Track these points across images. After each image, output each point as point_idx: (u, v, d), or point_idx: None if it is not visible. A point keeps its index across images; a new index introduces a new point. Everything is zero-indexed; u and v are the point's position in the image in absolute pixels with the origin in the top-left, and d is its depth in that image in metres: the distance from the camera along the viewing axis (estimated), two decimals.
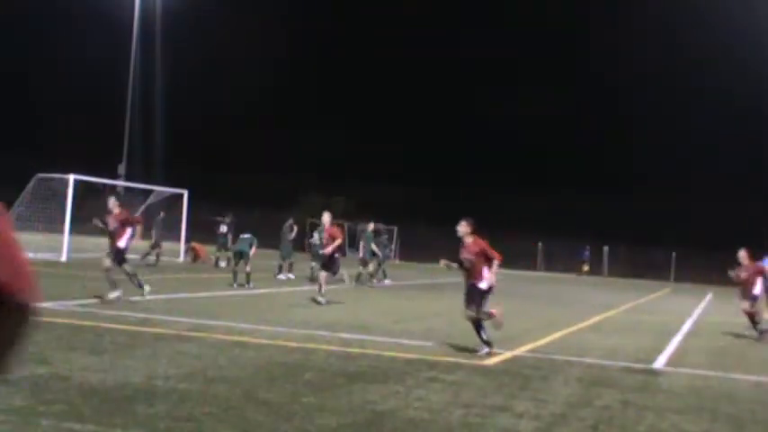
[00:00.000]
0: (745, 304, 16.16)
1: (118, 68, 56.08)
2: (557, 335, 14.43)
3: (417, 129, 77.98)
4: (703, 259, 52.80)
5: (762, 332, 15.94)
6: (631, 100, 77.44)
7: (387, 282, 25.98)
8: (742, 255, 16.48)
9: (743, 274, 16.28)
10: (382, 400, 7.66)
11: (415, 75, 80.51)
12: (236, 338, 10.95)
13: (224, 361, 9.12)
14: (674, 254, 53.84)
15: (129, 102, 54.38)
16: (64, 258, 26.05)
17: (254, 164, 72.93)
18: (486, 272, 11.07)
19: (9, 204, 28.88)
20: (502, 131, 73.09)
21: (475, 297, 11.04)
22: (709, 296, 33.62)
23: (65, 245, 26.75)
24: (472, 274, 11.13)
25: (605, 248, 57.26)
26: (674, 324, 18.38)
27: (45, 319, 11.57)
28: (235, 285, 20.05)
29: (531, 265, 53.72)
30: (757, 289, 16.07)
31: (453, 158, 77.61)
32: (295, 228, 27.47)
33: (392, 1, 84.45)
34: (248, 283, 20.18)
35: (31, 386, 7.15)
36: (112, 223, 15.14)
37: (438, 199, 68.73)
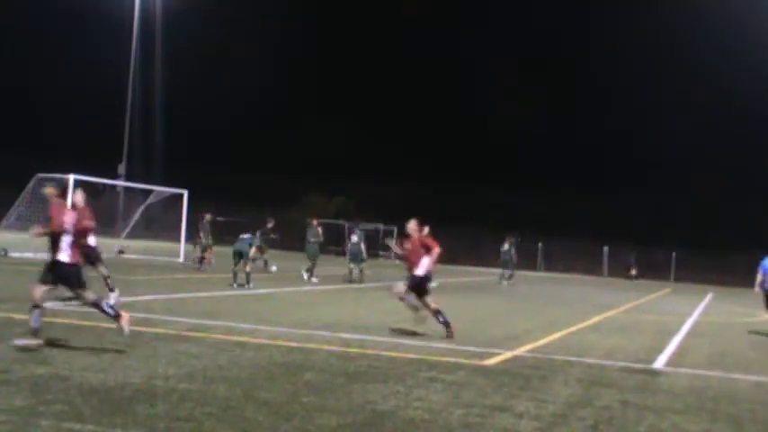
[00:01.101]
0: (401, 286, 13.34)
1: (118, 68, 56.10)
2: (557, 335, 14.43)
3: (417, 129, 78.01)
4: (703, 259, 52.81)
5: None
6: (631, 100, 77.45)
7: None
8: (411, 226, 13.56)
9: (407, 246, 13.47)
10: (382, 400, 7.66)
11: (416, 75, 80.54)
12: (236, 338, 10.95)
13: (224, 361, 9.12)
14: (673, 254, 53.83)
15: (129, 102, 54.38)
16: None
17: (254, 164, 72.94)
18: (65, 245, 9.47)
19: (9, 204, 28.91)
20: (502, 131, 73.10)
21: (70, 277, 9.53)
22: (709, 296, 33.65)
23: None
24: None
25: (605, 248, 57.25)
26: (674, 324, 18.39)
27: (45, 319, 11.56)
28: (234, 285, 20.04)
29: (531, 265, 53.73)
30: (421, 269, 13.06)
31: (454, 158, 77.66)
32: (319, 229, 26.88)
33: (392, 1, 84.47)
34: (248, 283, 20.18)
35: (31, 386, 7.15)
36: None
37: (438, 199, 68.77)
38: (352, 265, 25.86)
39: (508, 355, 11.31)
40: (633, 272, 50.92)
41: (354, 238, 26.49)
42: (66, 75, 71.72)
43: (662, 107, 75.45)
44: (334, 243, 60.13)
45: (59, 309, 12.90)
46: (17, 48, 72.83)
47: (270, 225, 28.47)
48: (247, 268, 20.43)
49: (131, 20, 53.47)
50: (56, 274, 9.53)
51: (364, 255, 26.29)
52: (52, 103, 71.67)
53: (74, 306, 13.44)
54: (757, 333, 17.55)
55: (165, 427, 6.16)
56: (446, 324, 12.80)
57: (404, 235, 13.88)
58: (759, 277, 17.02)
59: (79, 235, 9.86)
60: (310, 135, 73.71)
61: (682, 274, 52.34)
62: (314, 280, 24.77)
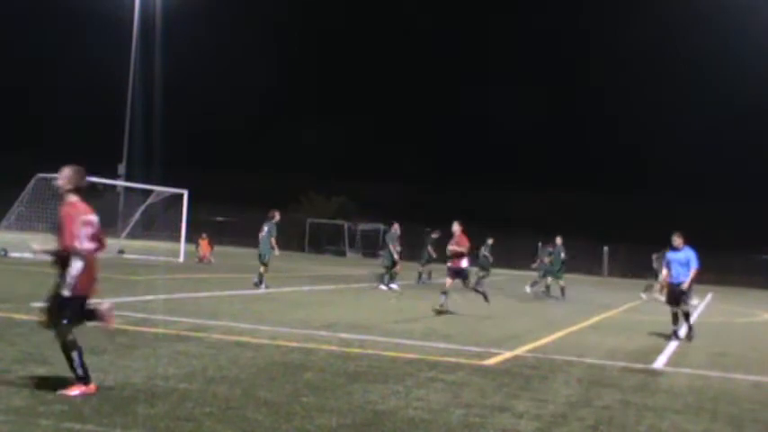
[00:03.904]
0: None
1: (118, 68, 56.11)
2: (557, 335, 14.43)
3: (418, 128, 78.02)
4: (703, 259, 52.69)
5: None
6: (632, 101, 77.46)
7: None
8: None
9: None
10: (382, 400, 7.66)
11: (416, 75, 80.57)
12: (236, 338, 10.95)
13: (224, 361, 9.12)
14: None
15: (129, 102, 54.37)
16: None
17: (254, 164, 72.99)
18: None
19: (9, 204, 28.90)
20: (503, 131, 73.12)
21: None
22: (709, 296, 33.64)
23: None
24: None
25: (605, 248, 57.22)
26: None
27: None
28: (262, 286, 20.12)
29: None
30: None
31: (454, 158, 77.67)
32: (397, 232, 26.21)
33: (392, 1, 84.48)
34: (260, 282, 20.32)
35: (31, 386, 7.14)
36: None
37: (438, 199, 68.79)
38: (481, 273, 28.22)
39: (508, 355, 11.31)
40: (665, 272, 50.17)
41: (483, 249, 28.90)
42: (66, 75, 71.78)
43: (663, 107, 75.50)
44: (333, 243, 60.13)
45: None
46: (17, 48, 72.88)
47: (435, 236, 28.82)
48: (261, 269, 20.51)
49: (131, 20, 53.47)
50: None
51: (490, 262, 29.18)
52: (52, 103, 71.72)
53: None
54: (657, 334, 17.42)
55: (165, 427, 6.16)
56: None
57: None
58: (665, 272, 15.75)
59: None
60: (310, 135, 73.72)
61: None
62: (393, 287, 23.87)
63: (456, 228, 17.67)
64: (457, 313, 16.90)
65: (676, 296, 15.11)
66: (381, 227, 59.08)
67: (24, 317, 11.58)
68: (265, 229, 20.80)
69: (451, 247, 17.48)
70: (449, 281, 17.30)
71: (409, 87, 79.51)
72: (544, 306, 22.18)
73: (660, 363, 11.82)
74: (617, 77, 78.17)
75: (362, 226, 59.38)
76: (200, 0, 62.82)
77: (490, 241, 29.20)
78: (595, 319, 18.71)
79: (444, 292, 17.05)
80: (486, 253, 28.86)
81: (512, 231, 49.17)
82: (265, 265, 20.56)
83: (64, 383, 7.22)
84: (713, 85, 69.56)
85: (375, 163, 72.71)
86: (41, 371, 7.82)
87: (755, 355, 13.88)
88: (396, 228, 25.95)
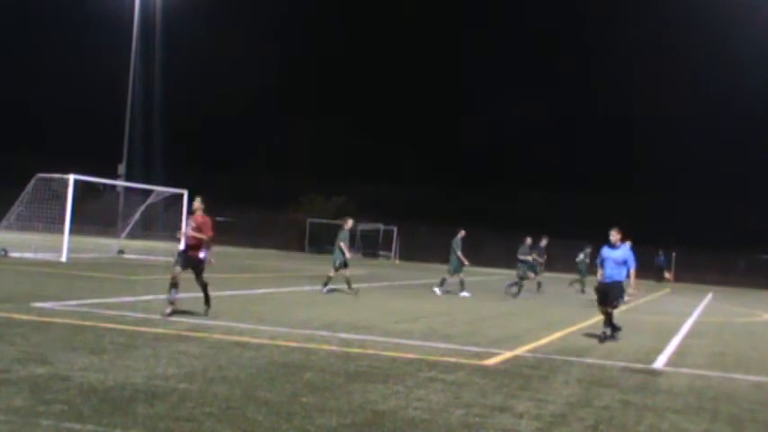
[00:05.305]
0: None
1: (118, 68, 56.13)
2: (557, 335, 14.44)
3: (418, 129, 77.96)
4: (703, 259, 52.77)
5: None
6: (632, 101, 77.43)
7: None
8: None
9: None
10: (382, 400, 7.66)
11: (416, 75, 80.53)
12: (236, 338, 10.95)
13: (224, 361, 9.12)
14: (674, 254, 53.80)
15: (129, 102, 54.38)
16: (64, 258, 26.04)
17: (254, 164, 72.98)
18: None
19: (9, 204, 28.89)
20: (502, 132, 73.09)
21: None
22: (709, 296, 33.64)
23: (65, 245, 26.74)
24: None
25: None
26: (673, 324, 18.39)
27: (45, 319, 11.58)
28: (352, 292, 20.34)
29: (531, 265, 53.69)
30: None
31: (454, 159, 77.63)
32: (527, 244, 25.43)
33: (393, 1, 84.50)
34: (349, 286, 20.69)
35: (31, 386, 7.15)
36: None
37: (438, 199, 68.81)
38: (580, 277, 28.87)
39: (508, 355, 11.31)
40: (667, 275, 50.05)
41: (581, 256, 29.32)
42: (66, 75, 71.76)
43: (662, 107, 75.43)
44: (333, 243, 60.09)
45: (59, 309, 12.90)
46: (17, 48, 72.87)
47: (544, 243, 28.40)
48: (347, 273, 20.71)
49: (131, 20, 53.48)
50: None
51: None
52: (52, 103, 71.69)
53: (73, 306, 13.44)
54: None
55: (165, 427, 6.16)
56: None
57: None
58: (599, 272, 14.76)
59: None
60: (311, 135, 73.69)
61: (682, 274, 52.31)
62: (465, 294, 22.84)
63: (197, 205, 14.17)
64: (195, 313, 16.86)
65: (607, 296, 14.13)
66: (381, 227, 59.10)
67: (24, 317, 11.59)
68: (339, 236, 21.19)
69: (191, 233, 14.06)
70: (178, 269, 13.48)
71: (410, 87, 79.52)
72: (544, 306, 22.18)
73: (660, 363, 11.83)
74: (617, 77, 78.13)
75: (362, 226, 59.29)
76: (200, 0, 62.83)
77: (585, 252, 29.33)
78: (595, 319, 18.69)
79: (175, 285, 13.22)
80: (583, 257, 28.99)
81: (511, 231, 49.14)
82: (337, 269, 20.84)
83: (64, 383, 7.23)
84: (713, 85, 69.56)
85: (375, 163, 72.71)
86: (41, 371, 7.82)
87: (755, 355, 13.88)
88: (461, 234, 24.10)
